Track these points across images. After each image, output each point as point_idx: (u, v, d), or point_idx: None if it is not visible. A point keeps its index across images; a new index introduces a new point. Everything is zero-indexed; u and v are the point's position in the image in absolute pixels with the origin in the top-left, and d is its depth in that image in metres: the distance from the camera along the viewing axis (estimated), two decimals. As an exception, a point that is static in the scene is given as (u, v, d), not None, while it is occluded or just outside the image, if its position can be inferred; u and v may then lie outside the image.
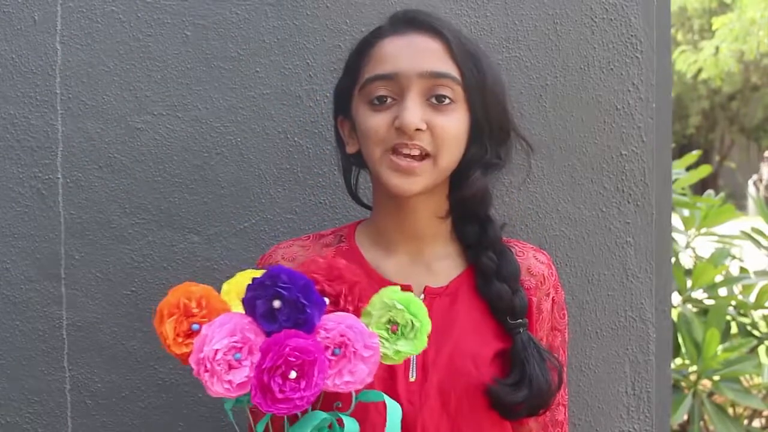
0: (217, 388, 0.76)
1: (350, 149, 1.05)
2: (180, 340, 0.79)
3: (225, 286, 0.85)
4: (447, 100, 0.96)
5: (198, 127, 1.33)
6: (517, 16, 1.38)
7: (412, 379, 0.97)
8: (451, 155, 0.97)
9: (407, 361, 0.97)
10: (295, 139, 1.35)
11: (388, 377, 0.97)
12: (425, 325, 0.82)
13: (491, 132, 1.00)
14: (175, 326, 0.79)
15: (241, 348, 0.77)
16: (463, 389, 0.98)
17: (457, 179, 1.01)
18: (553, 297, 1.08)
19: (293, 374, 0.75)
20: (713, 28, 12.68)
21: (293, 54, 1.34)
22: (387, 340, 0.82)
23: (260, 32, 1.34)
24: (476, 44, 1.02)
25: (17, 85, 1.30)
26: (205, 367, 0.76)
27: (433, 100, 0.95)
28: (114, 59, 1.32)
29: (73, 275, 1.32)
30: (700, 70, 13.04)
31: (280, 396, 0.75)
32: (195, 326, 0.79)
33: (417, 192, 0.96)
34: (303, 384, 0.76)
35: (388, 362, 0.82)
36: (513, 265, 1.03)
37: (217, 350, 0.76)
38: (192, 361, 0.77)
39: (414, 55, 0.96)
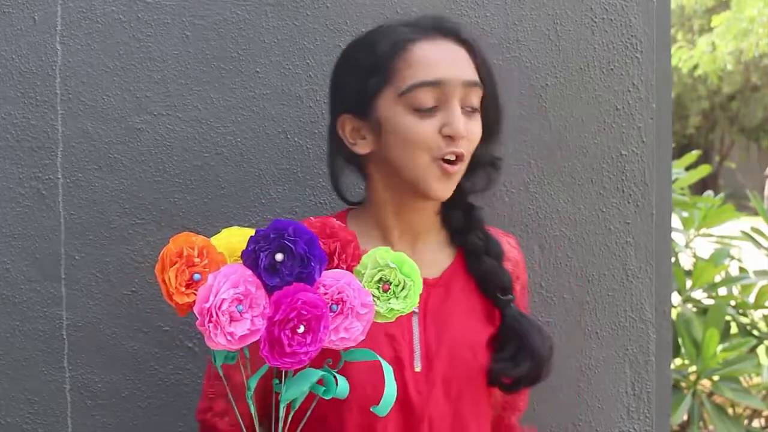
0: (219, 340, 0.75)
1: (361, 150, 1.03)
2: (182, 289, 0.78)
3: (213, 242, 0.83)
4: (475, 108, 1.00)
5: (198, 127, 1.33)
6: (517, 16, 1.38)
7: (417, 369, 1.00)
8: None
9: (412, 352, 1.00)
10: (295, 139, 1.35)
11: (396, 367, 0.98)
12: (418, 284, 0.83)
13: (494, 132, 1.06)
14: (176, 275, 0.77)
15: (242, 300, 0.76)
16: (463, 376, 1.02)
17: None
18: (521, 279, 1.13)
19: (302, 328, 0.75)
20: (712, 25, 12.64)
21: (293, 54, 1.34)
22: (378, 298, 0.82)
23: (260, 32, 1.34)
24: (485, 48, 1.05)
25: (17, 85, 1.30)
26: (210, 317, 0.75)
27: (467, 108, 0.99)
28: (114, 59, 1.32)
29: (73, 275, 1.32)
30: (695, 66, 12.99)
31: (288, 350, 0.75)
32: (196, 276, 0.78)
33: (450, 194, 1.01)
34: (309, 339, 0.75)
35: (381, 320, 0.83)
36: (498, 245, 1.08)
37: (223, 300, 0.75)
38: (196, 310, 0.76)
39: (454, 62, 0.98)
